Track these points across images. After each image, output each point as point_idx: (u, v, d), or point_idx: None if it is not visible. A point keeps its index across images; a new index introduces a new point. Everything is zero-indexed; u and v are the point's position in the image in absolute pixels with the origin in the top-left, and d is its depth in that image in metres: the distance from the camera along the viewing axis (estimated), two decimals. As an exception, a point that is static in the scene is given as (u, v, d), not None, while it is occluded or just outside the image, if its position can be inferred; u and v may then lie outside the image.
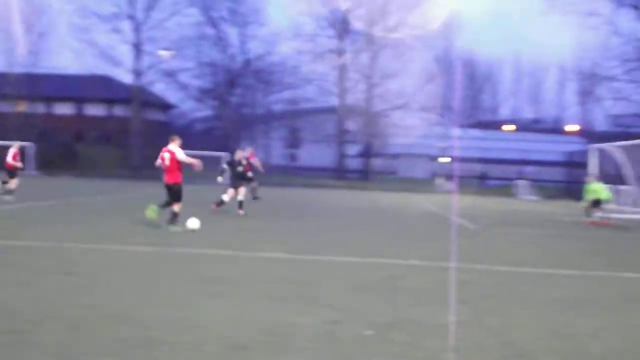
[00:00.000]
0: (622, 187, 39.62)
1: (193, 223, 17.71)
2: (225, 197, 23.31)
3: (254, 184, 29.99)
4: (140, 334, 7.22)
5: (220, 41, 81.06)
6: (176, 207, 18.04)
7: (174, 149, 18.04)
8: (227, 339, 7.17)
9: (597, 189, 27.44)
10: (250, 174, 27.10)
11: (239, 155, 24.39)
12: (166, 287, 9.88)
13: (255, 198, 29.76)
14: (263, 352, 6.76)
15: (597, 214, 27.91)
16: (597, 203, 27.48)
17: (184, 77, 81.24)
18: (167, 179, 18.20)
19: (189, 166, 18.12)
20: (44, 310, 8.13)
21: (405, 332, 7.81)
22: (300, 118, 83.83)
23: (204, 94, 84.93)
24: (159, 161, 18.40)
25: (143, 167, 66.43)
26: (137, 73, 73.10)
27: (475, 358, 6.85)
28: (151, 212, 18.18)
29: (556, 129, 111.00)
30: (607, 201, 27.88)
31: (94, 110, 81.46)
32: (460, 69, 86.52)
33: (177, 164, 18.01)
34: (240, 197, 23.60)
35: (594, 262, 15.45)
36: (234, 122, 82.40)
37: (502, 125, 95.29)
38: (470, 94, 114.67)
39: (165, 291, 9.56)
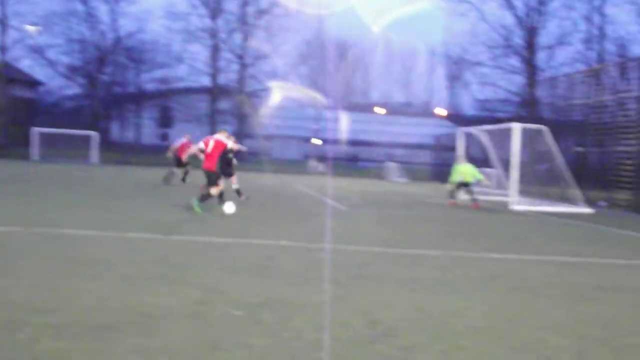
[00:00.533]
0: (487, 170, 40.81)
1: (229, 208, 18.94)
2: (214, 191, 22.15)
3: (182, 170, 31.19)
4: (2, 317, 7.00)
5: (90, 17, 79.31)
6: (214, 191, 19.37)
7: (224, 140, 19.71)
8: (92, 319, 7.03)
9: (466, 170, 28.27)
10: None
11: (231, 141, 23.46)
12: (29, 268, 9.60)
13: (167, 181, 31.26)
14: (130, 333, 6.65)
15: (464, 196, 28.81)
16: (463, 185, 28.34)
17: (52, 54, 79.12)
18: (206, 165, 19.41)
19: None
20: None
21: (275, 312, 7.83)
22: (173, 97, 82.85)
23: (73, 72, 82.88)
24: (200, 146, 19.55)
25: (10, 145, 64.42)
26: (2, 48, 70.42)
27: (342, 336, 6.94)
28: (197, 209, 18.77)
29: (425, 113, 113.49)
30: (479, 182, 28.78)
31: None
32: (332, 51, 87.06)
33: (218, 153, 19.42)
34: (235, 186, 24.20)
35: (460, 243, 15.87)
36: (104, 101, 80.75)
37: (373, 108, 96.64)
38: (342, 77, 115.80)
39: (27, 273, 9.29)
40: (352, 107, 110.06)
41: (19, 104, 75.22)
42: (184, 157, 25.87)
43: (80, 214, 17.01)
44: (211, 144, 19.39)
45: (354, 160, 76.28)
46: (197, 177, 24.02)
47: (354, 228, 17.46)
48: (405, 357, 6.38)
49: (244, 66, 74.98)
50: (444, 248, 14.52)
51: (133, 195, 23.62)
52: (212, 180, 19.46)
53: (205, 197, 19.21)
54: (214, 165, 19.49)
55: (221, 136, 19.75)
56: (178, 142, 31.41)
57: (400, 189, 39.63)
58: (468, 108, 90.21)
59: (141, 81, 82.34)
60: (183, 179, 30.88)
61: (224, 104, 79.57)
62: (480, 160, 43.76)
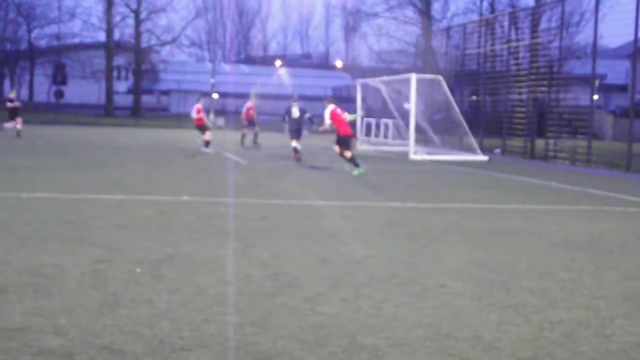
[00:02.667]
0: (386, 121, 41.23)
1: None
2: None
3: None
4: None
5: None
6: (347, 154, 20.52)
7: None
8: (-12, 283, 6.87)
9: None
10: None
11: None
12: None
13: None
14: (28, 295, 6.51)
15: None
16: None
17: None
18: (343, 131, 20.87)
19: None
20: None
21: (176, 268, 7.78)
22: (67, 54, 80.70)
23: (-41, 28, 79.85)
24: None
25: None
26: None
27: (245, 290, 6.95)
28: (357, 173, 19.90)
29: (324, 64, 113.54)
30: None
31: None
32: (228, 3, 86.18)
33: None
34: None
35: (361, 193, 16.04)
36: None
37: (271, 60, 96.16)
38: (239, 30, 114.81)
39: None
40: (250, 60, 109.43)
41: None
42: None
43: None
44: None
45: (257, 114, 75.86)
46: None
47: (255, 182, 17.45)
48: (308, 308, 6.43)
49: (139, 21, 73.50)
50: (344, 199, 14.66)
51: (29, 154, 22.98)
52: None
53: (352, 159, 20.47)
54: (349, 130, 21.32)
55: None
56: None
57: (302, 142, 39.70)
58: (365, 60, 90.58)
59: (33, 37, 79.98)
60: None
61: (120, 60, 78.01)
62: (378, 111, 44.20)
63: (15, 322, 5.73)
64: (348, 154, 20.49)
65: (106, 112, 71.25)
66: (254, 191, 15.41)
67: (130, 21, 74.85)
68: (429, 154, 30.03)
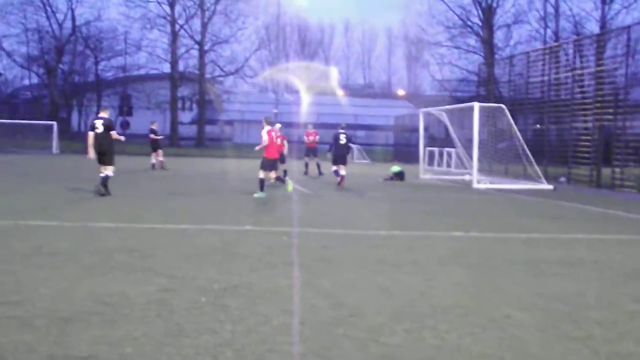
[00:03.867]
0: (448, 150, 41.05)
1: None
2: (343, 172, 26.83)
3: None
4: (-36, 311, 6.94)
5: (46, 6, 78.10)
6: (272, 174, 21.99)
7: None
8: (57, 311, 6.98)
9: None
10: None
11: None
12: (-8, 261, 9.51)
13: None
14: (95, 323, 6.62)
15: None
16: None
17: (8, 44, 77.98)
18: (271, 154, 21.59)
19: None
20: None
21: (239, 297, 7.83)
22: (132, 85, 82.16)
23: (30, 62, 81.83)
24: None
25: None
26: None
27: (308, 320, 6.96)
28: (258, 196, 20.80)
29: (386, 94, 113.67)
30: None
31: None
32: (291, 35, 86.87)
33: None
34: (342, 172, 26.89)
35: (423, 222, 15.97)
36: (63, 90, 79.87)
37: (333, 90, 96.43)
38: (302, 60, 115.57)
39: (-10, 266, 9.21)
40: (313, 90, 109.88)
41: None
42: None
43: (40, 204, 16.85)
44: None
45: (318, 143, 75.92)
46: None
47: (318, 211, 17.48)
48: (370, 338, 6.41)
49: (203, 52, 74.48)
50: (407, 228, 14.61)
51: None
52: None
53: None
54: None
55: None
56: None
57: (362, 171, 39.73)
58: (427, 88, 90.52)
59: (100, 69, 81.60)
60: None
61: (184, 91, 79.06)
62: (440, 140, 44.04)
63: (82, 351, 5.83)
64: (273, 174, 21.99)
65: (171, 142, 72.18)
66: (317, 220, 15.44)
67: (195, 52, 76.00)
68: (492, 182, 29.79)
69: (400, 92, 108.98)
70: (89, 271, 9.01)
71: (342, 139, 27.06)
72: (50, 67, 78.90)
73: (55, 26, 78.71)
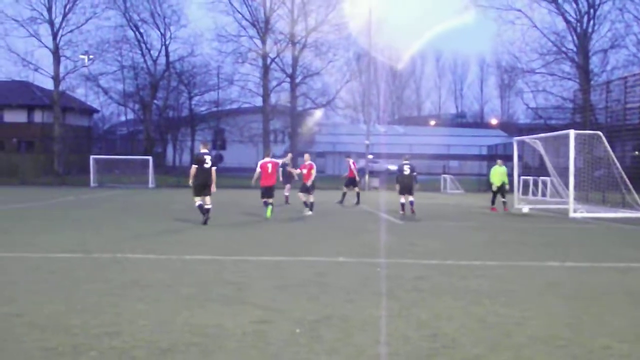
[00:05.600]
0: (543, 179, 40.39)
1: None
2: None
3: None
4: (68, 341, 7.13)
5: (141, 43, 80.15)
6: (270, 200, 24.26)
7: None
8: (154, 342, 7.13)
9: (499, 172, 29.62)
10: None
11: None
12: (89, 293, 9.75)
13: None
14: (192, 354, 6.73)
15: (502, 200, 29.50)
16: (500, 189, 29.42)
17: (105, 81, 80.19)
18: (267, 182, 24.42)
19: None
20: (-34, 322, 7.97)
21: (334, 328, 7.86)
22: (225, 119, 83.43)
23: (126, 98, 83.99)
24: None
25: (68, 173, 65.40)
26: (57, 78, 71.52)
27: (404, 351, 6.93)
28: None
29: (478, 123, 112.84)
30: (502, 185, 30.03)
31: (14, 117, 79.63)
32: (382, 66, 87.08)
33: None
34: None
35: (518, 252, 15.73)
36: (157, 125, 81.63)
37: (425, 120, 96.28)
38: (393, 91, 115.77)
39: (88, 297, 9.44)
40: (404, 121, 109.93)
41: (75, 132, 76.48)
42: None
43: (137, 238, 17.22)
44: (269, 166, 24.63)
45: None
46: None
47: (410, 241, 17.40)
48: (466, 369, 6.35)
49: (294, 85, 75.22)
50: (502, 258, 14.41)
51: (191, 218, 23.66)
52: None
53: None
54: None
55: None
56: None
57: (456, 201, 39.41)
58: (521, 116, 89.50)
59: (194, 104, 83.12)
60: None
61: (276, 123, 79.87)
62: (535, 169, 43.39)
63: (180, 381, 5.93)
64: (270, 200, 23.99)
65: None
66: (410, 251, 15.38)
67: (286, 85, 76.70)
68: (589, 211, 29.17)
69: (493, 120, 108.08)
70: (186, 303, 9.16)
71: (406, 170, 27.39)
72: (146, 103, 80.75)
73: (149, 62, 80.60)
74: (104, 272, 11.78)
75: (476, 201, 35.83)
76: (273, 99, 77.04)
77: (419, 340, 7.38)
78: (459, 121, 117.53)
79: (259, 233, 19.26)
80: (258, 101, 77.53)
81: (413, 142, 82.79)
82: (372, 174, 58.09)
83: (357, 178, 34.44)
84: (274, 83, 76.59)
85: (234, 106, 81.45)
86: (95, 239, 16.87)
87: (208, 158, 21.17)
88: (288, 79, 75.79)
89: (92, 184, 56.04)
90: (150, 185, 56.54)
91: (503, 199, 30.18)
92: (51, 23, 70.44)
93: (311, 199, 26.42)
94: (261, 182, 24.29)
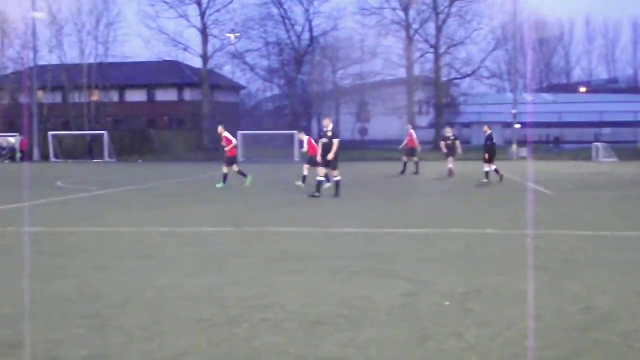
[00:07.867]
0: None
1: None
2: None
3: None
4: (221, 313, 7.30)
5: (285, 20, 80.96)
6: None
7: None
8: (305, 315, 7.20)
9: None
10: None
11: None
12: (242, 266, 9.96)
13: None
14: (342, 326, 6.77)
15: None
16: None
17: (251, 58, 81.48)
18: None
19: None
20: (125, 293, 8.28)
21: (483, 301, 7.74)
22: (369, 92, 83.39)
23: (271, 74, 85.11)
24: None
25: (217, 149, 67.05)
26: (205, 56, 73.29)
27: (557, 324, 6.75)
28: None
29: (632, 88, 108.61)
30: None
31: (165, 95, 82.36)
32: (528, 32, 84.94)
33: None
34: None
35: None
36: (302, 100, 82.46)
37: (575, 87, 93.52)
38: (541, 57, 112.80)
39: (242, 270, 9.64)
40: (553, 88, 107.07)
41: (223, 109, 78.21)
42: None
43: (283, 211, 17.48)
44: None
45: (557, 143, 73.75)
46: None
47: (561, 212, 16.95)
48: (625, 344, 6.13)
49: (438, 55, 74.41)
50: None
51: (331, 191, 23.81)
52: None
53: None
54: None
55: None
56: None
57: (609, 170, 38.12)
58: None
59: (338, 78, 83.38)
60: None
61: (420, 95, 79.30)
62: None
63: (332, 352, 5.98)
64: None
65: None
66: (561, 222, 14.98)
67: (430, 56, 75.99)
68: None
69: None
70: (334, 275, 9.23)
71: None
72: (290, 78, 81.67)
73: (293, 38, 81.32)
74: (253, 244, 12.02)
75: (630, 169, 34.57)
76: (416, 70, 76.50)
77: (573, 313, 7.17)
78: (612, 87, 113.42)
79: (403, 205, 19.21)
80: (401, 73, 77.13)
81: (562, 109, 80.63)
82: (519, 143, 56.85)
83: (419, 148, 34.90)
84: (418, 54, 76.01)
85: (378, 78, 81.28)
86: (243, 213, 17.24)
87: (329, 132, 21.40)
88: (432, 50, 75.02)
89: (240, 158, 57.30)
90: (296, 159, 57.30)
91: None
92: (199, 3, 72.18)
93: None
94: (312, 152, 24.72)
